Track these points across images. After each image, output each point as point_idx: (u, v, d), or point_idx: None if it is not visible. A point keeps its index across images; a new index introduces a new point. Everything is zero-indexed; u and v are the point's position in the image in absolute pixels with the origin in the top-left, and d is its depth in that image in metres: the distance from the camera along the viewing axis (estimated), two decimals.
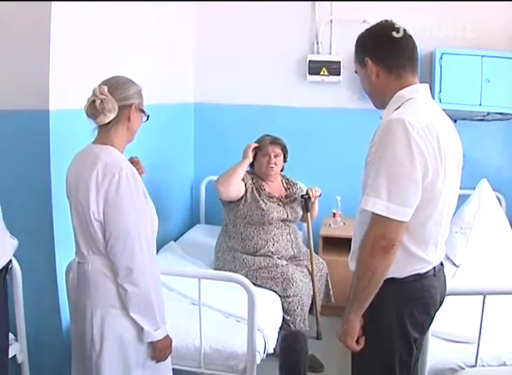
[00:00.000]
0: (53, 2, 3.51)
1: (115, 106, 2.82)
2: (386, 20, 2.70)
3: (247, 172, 5.01)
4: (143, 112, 3.01)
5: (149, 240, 2.85)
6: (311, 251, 4.95)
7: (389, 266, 2.45)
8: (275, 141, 5.06)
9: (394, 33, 2.63)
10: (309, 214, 5.08)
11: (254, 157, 5.03)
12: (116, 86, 2.88)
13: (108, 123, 2.86)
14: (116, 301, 2.81)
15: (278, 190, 5.13)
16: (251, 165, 5.11)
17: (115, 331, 2.84)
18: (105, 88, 2.82)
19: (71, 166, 2.94)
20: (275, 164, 5.02)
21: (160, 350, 2.92)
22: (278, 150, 5.04)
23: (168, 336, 2.94)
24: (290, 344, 3.87)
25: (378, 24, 2.72)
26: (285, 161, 5.16)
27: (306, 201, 5.01)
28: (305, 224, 5.33)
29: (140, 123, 3.03)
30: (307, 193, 5.05)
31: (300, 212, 5.11)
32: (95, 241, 2.82)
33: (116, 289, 2.80)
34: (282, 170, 5.20)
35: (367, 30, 2.74)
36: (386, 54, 2.62)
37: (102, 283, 2.82)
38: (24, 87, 3.58)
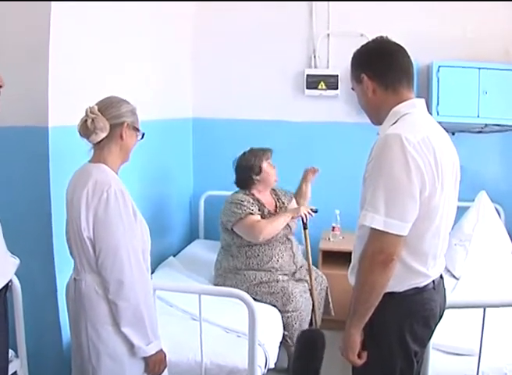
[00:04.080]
0: (52, 18, 3.53)
1: (106, 125, 2.86)
2: (382, 36, 2.72)
3: (246, 194, 4.95)
4: (137, 130, 3.03)
5: (138, 256, 2.86)
6: (309, 266, 4.93)
7: (388, 280, 2.45)
8: (271, 150, 5.08)
9: (389, 49, 2.65)
10: (307, 231, 5.06)
11: (259, 169, 4.97)
12: (108, 105, 2.93)
13: (101, 141, 2.90)
14: (108, 317, 2.83)
15: (271, 204, 5.12)
16: (247, 183, 5.04)
17: (110, 347, 2.85)
18: (96, 108, 2.87)
19: (69, 184, 2.97)
20: None
21: (153, 364, 2.93)
22: None
23: (161, 350, 2.96)
24: (308, 339, 3.87)
25: (373, 41, 2.73)
26: None
27: (302, 219, 4.99)
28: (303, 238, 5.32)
29: (135, 142, 3.05)
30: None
31: (296, 222, 5.10)
32: (88, 258, 2.85)
33: (108, 306, 2.82)
34: None
35: (362, 46, 2.75)
36: (382, 70, 2.64)
37: (95, 300, 2.84)
38: (23, 104, 3.59)
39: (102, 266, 2.79)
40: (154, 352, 2.89)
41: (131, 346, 2.85)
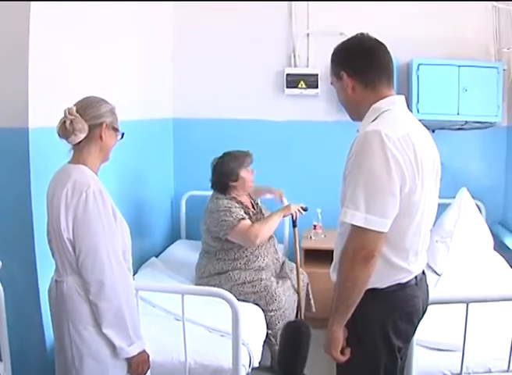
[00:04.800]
0: (31, 19, 3.51)
1: (84, 126, 2.86)
2: (362, 33, 2.71)
3: (229, 199, 4.92)
4: (116, 130, 3.02)
5: (119, 256, 2.86)
6: (297, 264, 4.92)
7: (369, 277, 2.46)
8: (249, 153, 5.07)
9: (369, 47, 2.65)
10: (296, 229, 5.05)
11: (237, 176, 4.96)
12: (87, 106, 2.92)
13: (80, 142, 2.90)
14: (90, 318, 2.82)
15: (248, 202, 5.13)
16: (224, 188, 5.02)
17: (93, 348, 2.84)
18: (74, 109, 2.87)
19: (49, 185, 2.96)
20: None
21: (136, 365, 2.93)
22: None
23: (144, 351, 2.95)
24: (294, 329, 3.89)
25: (353, 37, 2.73)
26: None
27: (292, 217, 4.98)
28: (286, 234, 5.32)
29: (115, 142, 3.05)
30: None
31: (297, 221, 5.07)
32: (68, 259, 2.84)
33: (90, 307, 2.81)
34: None
35: (342, 43, 2.74)
36: (362, 68, 2.64)
37: (77, 302, 2.83)
38: (3, 105, 3.58)
39: (82, 267, 2.78)
40: (136, 353, 2.89)
41: (113, 347, 2.84)
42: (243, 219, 4.74)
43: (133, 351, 2.87)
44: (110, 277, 2.77)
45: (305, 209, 5.03)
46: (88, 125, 2.87)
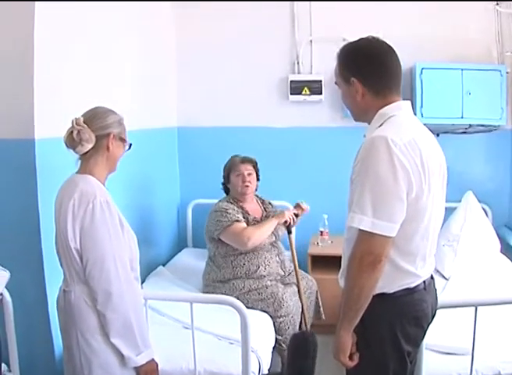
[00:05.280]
0: (36, 30, 3.52)
1: (92, 136, 2.87)
2: (375, 37, 2.68)
3: (229, 202, 4.99)
4: (124, 140, 3.03)
5: (126, 266, 2.87)
6: (295, 268, 4.93)
7: (376, 282, 2.46)
8: (245, 159, 5.10)
9: (381, 54, 2.63)
10: (291, 236, 5.06)
11: (228, 179, 5.07)
12: (94, 116, 2.94)
13: (88, 152, 2.91)
14: (98, 328, 2.83)
15: (257, 211, 5.14)
16: (227, 190, 5.16)
17: (101, 358, 2.85)
18: (82, 119, 2.88)
19: (57, 195, 2.97)
20: (250, 182, 5.03)
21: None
22: (250, 167, 5.07)
23: (153, 360, 2.95)
24: (300, 341, 3.87)
25: (363, 41, 2.69)
26: (258, 179, 5.17)
27: (287, 224, 4.97)
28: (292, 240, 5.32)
29: (122, 152, 3.06)
30: (298, 205, 5.05)
31: (283, 229, 5.08)
32: (76, 269, 2.85)
33: (97, 316, 2.82)
34: (256, 190, 5.21)
35: (353, 46, 2.71)
36: (374, 76, 2.62)
37: (85, 311, 2.84)
38: (9, 117, 3.59)
39: (90, 277, 2.79)
40: (144, 362, 2.88)
41: (122, 356, 2.84)
42: (238, 221, 4.78)
43: (141, 360, 2.87)
44: (117, 287, 2.78)
45: (297, 215, 5.03)
46: (95, 135, 2.88)
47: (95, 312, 2.81)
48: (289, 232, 5.05)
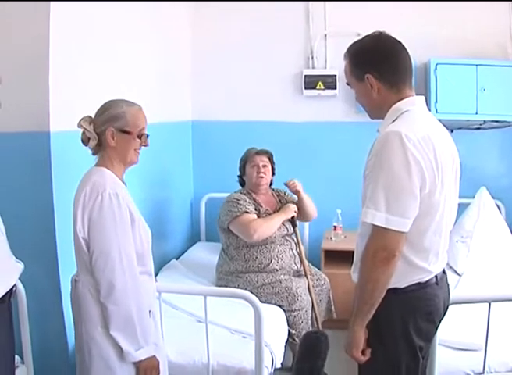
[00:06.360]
0: (51, 25, 3.54)
1: (93, 134, 2.94)
2: (381, 32, 2.68)
3: (243, 193, 5.03)
4: (129, 133, 2.98)
5: (131, 260, 2.86)
6: (303, 263, 4.95)
7: (390, 277, 2.47)
8: (261, 151, 5.12)
9: (392, 48, 2.64)
10: (297, 229, 5.09)
11: (244, 171, 5.10)
12: (96, 113, 3.01)
13: (98, 148, 2.98)
14: (100, 319, 2.84)
15: (272, 204, 5.14)
16: (242, 183, 5.18)
17: (101, 350, 2.86)
18: (85, 119, 2.96)
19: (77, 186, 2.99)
20: (264, 173, 5.05)
21: (144, 371, 2.89)
22: (265, 159, 5.10)
23: (154, 357, 2.92)
24: (312, 341, 3.88)
25: (371, 37, 2.69)
26: (273, 173, 5.20)
27: (292, 217, 5.01)
28: (306, 235, 5.32)
29: (132, 144, 3.00)
30: (286, 184, 5.04)
31: (296, 221, 5.10)
32: (83, 259, 2.87)
33: (100, 308, 2.83)
34: (271, 184, 5.24)
35: (361, 43, 2.72)
36: (388, 72, 2.62)
37: (89, 302, 2.86)
38: (25, 110, 3.59)
39: (95, 268, 2.80)
40: (143, 358, 2.86)
41: (121, 350, 2.84)
42: (248, 212, 4.81)
43: (140, 355, 2.85)
44: (121, 280, 2.78)
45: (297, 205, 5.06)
46: (96, 133, 2.94)
47: (98, 303, 2.82)
48: (294, 225, 5.07)
